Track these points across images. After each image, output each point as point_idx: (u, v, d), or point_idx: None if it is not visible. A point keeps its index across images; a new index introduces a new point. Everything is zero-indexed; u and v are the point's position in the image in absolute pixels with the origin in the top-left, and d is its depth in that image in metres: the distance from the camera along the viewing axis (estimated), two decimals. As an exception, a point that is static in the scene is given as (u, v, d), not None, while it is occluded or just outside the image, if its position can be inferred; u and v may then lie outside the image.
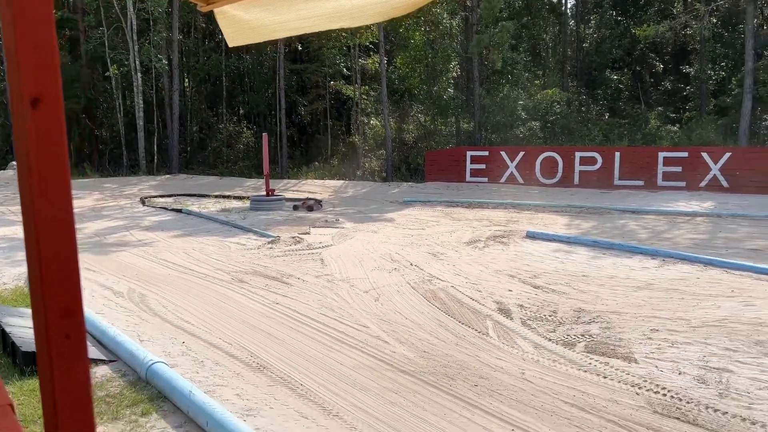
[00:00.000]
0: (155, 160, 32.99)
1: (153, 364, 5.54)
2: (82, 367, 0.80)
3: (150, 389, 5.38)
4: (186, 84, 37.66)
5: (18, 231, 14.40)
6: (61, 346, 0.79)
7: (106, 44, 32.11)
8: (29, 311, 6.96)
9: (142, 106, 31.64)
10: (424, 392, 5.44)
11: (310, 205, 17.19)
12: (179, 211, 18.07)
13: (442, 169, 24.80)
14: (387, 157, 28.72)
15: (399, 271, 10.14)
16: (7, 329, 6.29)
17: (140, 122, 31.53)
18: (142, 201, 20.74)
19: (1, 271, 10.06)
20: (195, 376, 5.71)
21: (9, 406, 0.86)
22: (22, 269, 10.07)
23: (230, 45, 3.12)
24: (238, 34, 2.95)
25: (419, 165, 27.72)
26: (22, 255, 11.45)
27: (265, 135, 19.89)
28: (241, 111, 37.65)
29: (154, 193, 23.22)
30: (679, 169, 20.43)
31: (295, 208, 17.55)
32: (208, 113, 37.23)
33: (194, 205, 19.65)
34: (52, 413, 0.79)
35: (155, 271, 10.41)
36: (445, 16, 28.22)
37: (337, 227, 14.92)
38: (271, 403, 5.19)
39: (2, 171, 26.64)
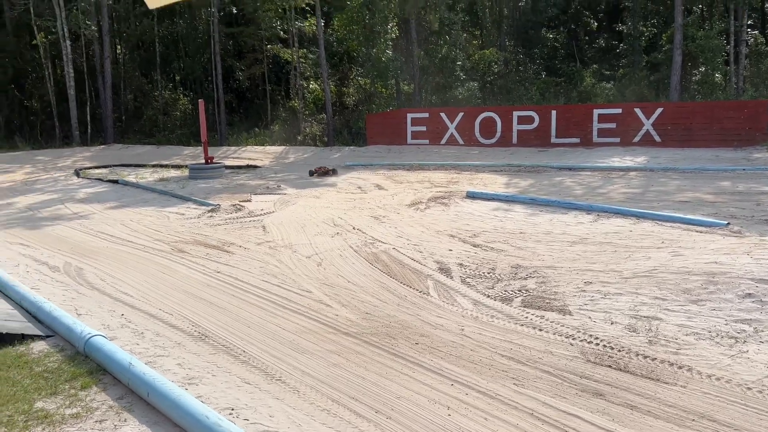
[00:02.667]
0: (89, 131, 32.00)
1: (91, 337, 5.47)
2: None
3: (89, 363, 5.32)
4: (118, 51, 36.44)
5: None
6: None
7: (32, 11, 30.73)
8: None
9: (72, 74, 30.56)
10: (367, 353, 5.53)
11: (326, 170, 18.13)
12: (115, 182, 17.66)
13: (384, 132, 24.79)
14: (328, 122, 28.50)
15: (341, 235, 10.17)
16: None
17: (71, 92, 30.49)
18: (77, 173, 20.16)
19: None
20: (135, 348, 5.66)
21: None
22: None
23: (150, 7, 3.05)
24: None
25: (360, 128, 27.61)
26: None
27: (201, 101, 19.51)
28: (177, 77, 36.71)
29: (88, 165, 22.59)
30: (613, 125, 20.89)
31: (311, 173, 18.21)
32: (143, 80, 36.17)
33: (131, 176, 19.21)
34: None
35: (92, 244, 10.20)
36: (381, -25, 27.90)
37: (279, 194, 14.83)
38: (214, 371, 5.20)
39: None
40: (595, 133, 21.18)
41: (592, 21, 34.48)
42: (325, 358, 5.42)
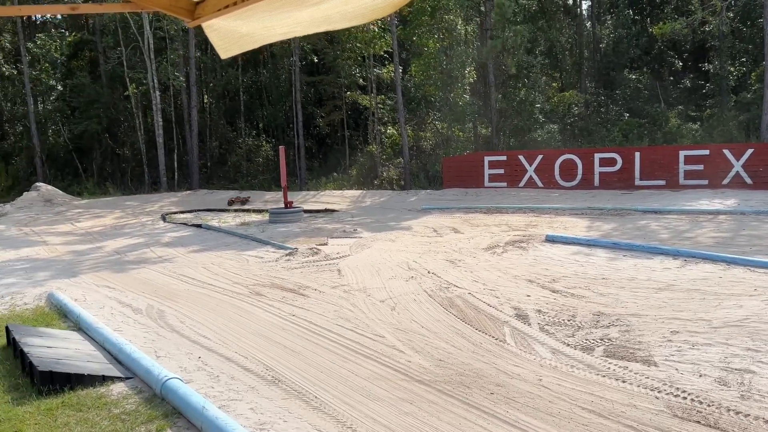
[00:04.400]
0: (176, 177, 33.30)
1: (168, 380, 5.55)
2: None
3: (165, 405, 5.39)
4: (204, 100, 38.00)
5: (40, 251, 14.57)
6: None
7: (125, 64, 32.56)
8: (49, 331, 7.03)
9: (161, 123, 31.97)
10: (440, 402, 5.38)
11: (243, 199, 22.96)
12: (199, 226, 18.19)
13: (460, 175, 24.72)
14: (405, 166, 28.69)
15: (416, 279, 10.09)
16: (26, 349, 6.35)
17: (160, 140, 31.86)
18: (163, 217, 20.91)
19: (23, 292, 10.17)
20: (210, 391, 5.70)
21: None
22: (44, 289, 10.18)
23: (222, 57, 3.13)
24: (229, 45, 2.95)
25: (437, 172, 27.65)
26: (43, 275, 11.60)
27: (282, 148, 19.99)
28: (260, 125, 37.90)
29: (174, 209, 23.41)
30: (700, 167, 20.14)
31: (230, 203, 22.49)
32: (227, 128, 37.51)
33: (214, 220, 19.77)
34: None
35: (174, 287, 10.47)
36: (459, 22, 28.19)
37: (355, 237, 14.91)
38: (285, 417, 5.16)
39: (26, 192, 27.03)
40: (681, 175, 20.46)
41: (676, 61, 33.64)
42: (397, 406, 5.31)
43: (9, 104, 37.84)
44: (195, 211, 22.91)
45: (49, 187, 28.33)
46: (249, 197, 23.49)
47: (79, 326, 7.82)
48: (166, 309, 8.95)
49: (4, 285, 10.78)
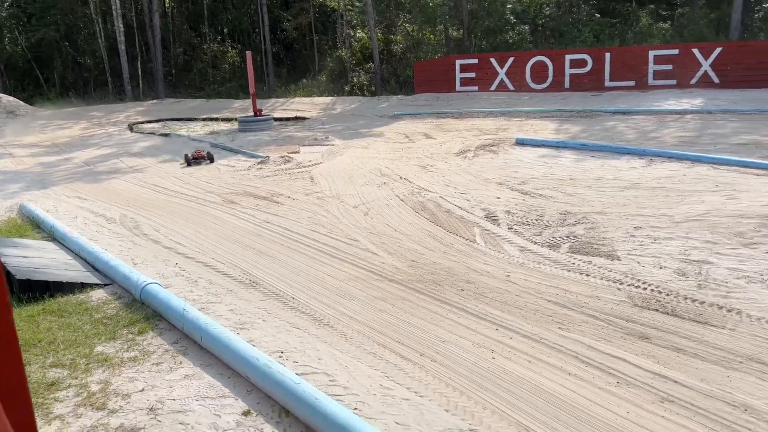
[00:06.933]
0: (141, 86, 32.50)
1: (147, 285, 5.68)
2: None
3: (145, 309, 5.53)
4: (166, 4, 36.62)
5: (7, 164, 14.37)
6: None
7: (80, -34, 31.09)
8: (23, 241, 7.06)
9: (122, 29, 30.89)
10: (412, 299, 5.60)
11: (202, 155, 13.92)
12: (167, 135, 17.97)
13: (432, 79, 24.46)
14: (375, 71, 28.28)
15: (388, 185, 10.20)
16: (2, 259, 6.40)
17: (122, 47, 30.87)
18: (130, 127, 20.58)
19: (-6, 205, 10.11)
20: (189, 295, 5.85)
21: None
22: (14, 201, 10.14)
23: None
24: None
25: (408, 77, 27.31)
26: (13, 187, 11.50)
27: (248, 53, 19.54)
28: (225, 30, 36.78)
29: (141, 119, 23.01)
30: (669, 67, 20.18)
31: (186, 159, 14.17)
32: (191, 34, 36.34)
33: (182, 129, 19.53)
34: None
35: (146, 197, 10.48)
36: None
37: (327, 145, 14.89)
38: (264, 317, 5.35)
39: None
40: (650, 75, 20.51)
41: (648, -43, 32.96)
42: (372, 305, 5.52)
43: (-40, 12, 36.13)
44: (163, 120, 22.56)
45: (11, 98, 27.57)
46: (210, 153, 14.08)
47: (53, 236, 7.86)
48: (140, 218, 9.00)
49: (-26, 198, 10.69)
